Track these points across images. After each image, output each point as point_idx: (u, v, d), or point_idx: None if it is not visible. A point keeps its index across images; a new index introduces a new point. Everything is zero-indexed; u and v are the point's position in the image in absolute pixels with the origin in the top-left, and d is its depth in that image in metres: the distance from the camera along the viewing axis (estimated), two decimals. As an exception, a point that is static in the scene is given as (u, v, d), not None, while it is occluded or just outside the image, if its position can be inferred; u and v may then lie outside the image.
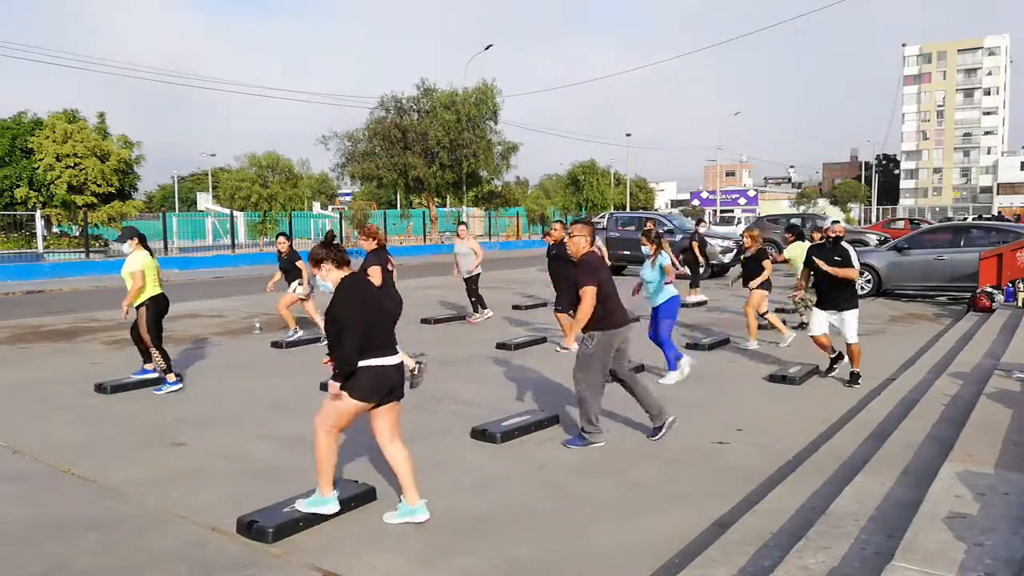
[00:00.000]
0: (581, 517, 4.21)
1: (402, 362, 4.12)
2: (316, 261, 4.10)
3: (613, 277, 5.69)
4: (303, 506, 4.08)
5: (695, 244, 14.51)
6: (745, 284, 9.67)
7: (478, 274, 11.81)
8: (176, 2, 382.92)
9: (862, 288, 14.32)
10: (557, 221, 11.35)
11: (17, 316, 12.85)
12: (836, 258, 7.31)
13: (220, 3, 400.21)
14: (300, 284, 10.03)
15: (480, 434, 5.63)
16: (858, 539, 3.39)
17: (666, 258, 7.67)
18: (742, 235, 10.97)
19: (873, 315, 12.15)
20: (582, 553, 3.77)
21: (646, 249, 7.85)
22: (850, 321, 7.26)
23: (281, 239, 10.40)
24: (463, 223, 12.69)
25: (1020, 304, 11.45)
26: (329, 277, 4.07)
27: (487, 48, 41.80)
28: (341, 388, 3.90)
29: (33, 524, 4.15)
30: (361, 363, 3.89)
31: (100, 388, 7.21)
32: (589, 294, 5.26)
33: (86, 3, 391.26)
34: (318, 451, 4.04)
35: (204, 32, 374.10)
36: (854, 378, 7.32)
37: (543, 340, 9.79)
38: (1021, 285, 11.73)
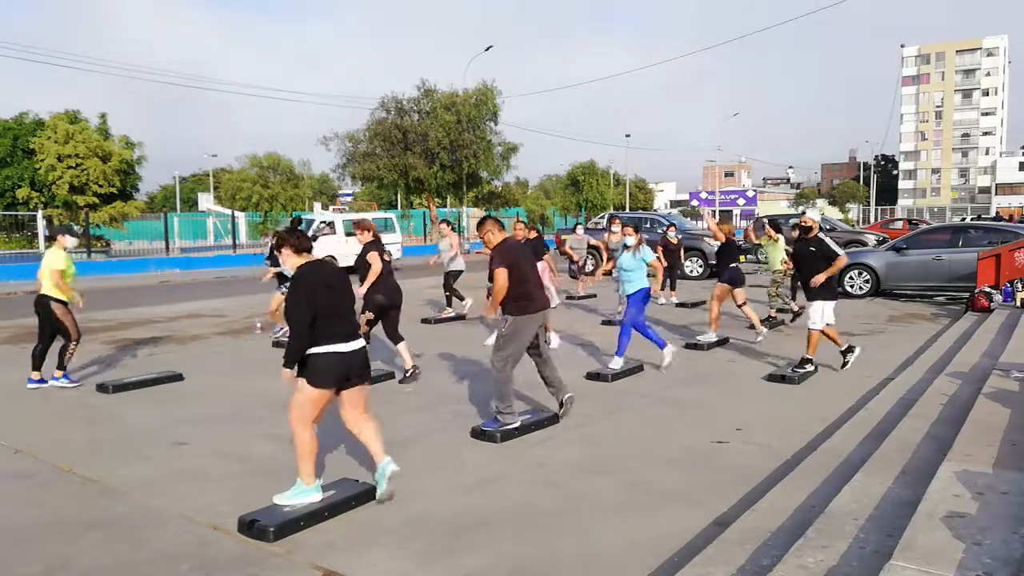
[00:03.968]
0: (581, 516, 4.23)
1: (362, 347, 4.24)
2: (278, 245, 4.26)
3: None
4: (283, 499, 4.15)
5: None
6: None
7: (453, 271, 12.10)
8: (174, 3, 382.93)
9: (861, 288, 14.37)
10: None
11: (19, 316, 12.84)
12: (811, 249, 7.76)
13: (218, 4, 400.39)
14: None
15: (480, 434, 5.64)
16: (857, 538, 3.41)
17: (650, 253, 8.21)
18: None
19: (871, 315, 12.17)
20: (582, 552, 3.78)
21: (630, 239, 8.29)
22: (815, 308, 7.69)
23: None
24: (445, 221, 12.89)
25: (1018, 304, 11.46)
26: (288, 262, 4.22)
27: (487, 49, 41.84)
28: (300, 376, 4.06)
29: (34, 523, 4.17)
30: (316, 349, 4.03)
31: (101, 388, 7.22)
32: (501, 275, 5.68)
33: (87, 3, 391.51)
34: (298, 444, 4.17)
35: (204, 33, 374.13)
36: (801, 363, 7.76)
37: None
38: (1019, 285, 11.75)
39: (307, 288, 4.06)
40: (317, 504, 4.17)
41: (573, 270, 15.81)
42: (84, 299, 7.43)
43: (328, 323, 4.05)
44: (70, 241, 7.22)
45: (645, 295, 8.01)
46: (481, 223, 6.02)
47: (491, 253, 5.91)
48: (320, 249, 20.00)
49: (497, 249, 5.85)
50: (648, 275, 8.19)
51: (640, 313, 7.99)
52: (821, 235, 7.87)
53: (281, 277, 10.32)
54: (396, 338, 7.63)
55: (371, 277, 7.36)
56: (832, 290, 7.79)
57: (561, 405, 6.08)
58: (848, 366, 7.81)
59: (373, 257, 7.39)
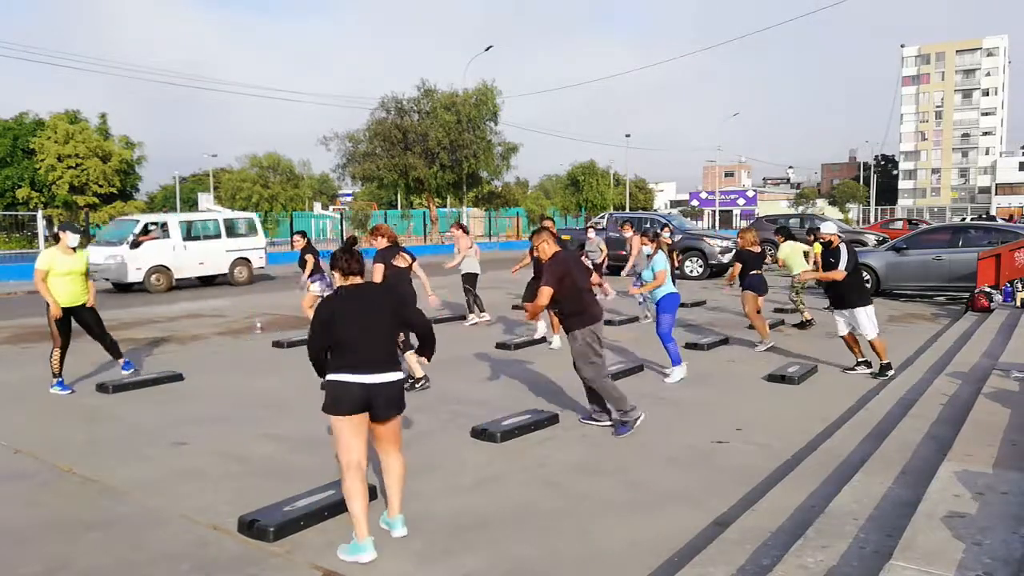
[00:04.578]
0: (581, 516, 4.23)
1: (393, 381, 3.83)
2: (331, 265, 4.07)
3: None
4: (343, 553, 3.74)
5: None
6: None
7: (465, 273, 11.88)
8: (174, 2, 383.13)
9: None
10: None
11: (19, 316, 12.87)
12: (831, 260, 7.71)
13: (218, 4, 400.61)
14: (313, 281, 10.02)
15: (480, 434, 5.65)
16: (857, 538, 3.41)
17: (661, 262, 7.74)
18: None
19: (872, 315, 12.17)
20: (582, 552, 3.78)
21: (647, 249, 8.10)
22: (859, 318, 7.62)
23: (296, 237, 10.79)
24: (457, 224, 12.63)
25: (1018, 304, 11.46)
26: (337, 283, 4.10)
27: (487, 49, 41.85)
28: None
29: (34, 523, 4.17)
30: (330, 377, 3.78)
31: (101, 388, 7.23)
32: (546, 293, 5.71)
33: (87, 3, 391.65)
34: (344, 492, 3.77)
35: (204, 33, 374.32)
36: (882, 370, 7.66)
37: (543, 340, 9.80)
38: (1019, 285, 11.75)
39: (325, 317, 3.81)
40: (317, 504, 4.17)
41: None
42: (57, 309, 7.01)
43: (347, 352, 3.75)
44: (71, 238, 7.06)
45: (672, 300, 7.75)
46: (538, 232, 6.14)
47: (545, 264, 5.94)
48: (143, 256, 16.87)
49: (551, 262, 5.84)
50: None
51: (670, 320, 7.78)
52: (841, 245, 7.78)
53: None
54: (407, 345, 7.56)
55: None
56: (866, 296, 7.74)
57: (592, 419, 6.05)
58: (854, 373, 7.78)
59: (377, 268, 7.33)
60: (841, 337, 7.86)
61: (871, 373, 7.71)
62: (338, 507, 4.19)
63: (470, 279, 11.88)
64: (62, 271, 7.02)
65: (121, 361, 7.48)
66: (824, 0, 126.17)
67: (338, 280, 4.05)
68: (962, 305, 12.50)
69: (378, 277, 7.26)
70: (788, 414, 6.30)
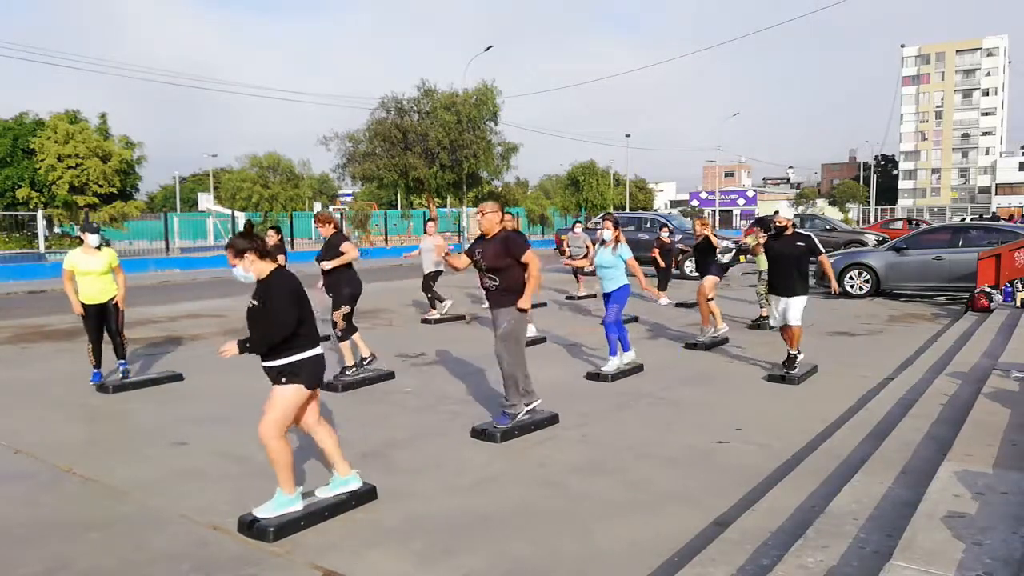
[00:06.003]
0: (581, 516, 4.23)
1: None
2: (238, 252, 4.05)
3: None
4: (267, 511, 4.00)
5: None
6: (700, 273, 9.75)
7: (436, 271, 11.97)
8: (174, 3, 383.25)
9: (860, 288, 14.38)
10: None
11: (19, 316, 12.87)
12: (799, 244, 7.60)
13: (218, 4, 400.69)
14: None
15: (480, 434, 5.65)
16: (857, 538, 3.41)
17: (627, 251, 7.78)
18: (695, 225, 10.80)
19: (871, 315, 12.17)
20: (582, 552, 3.78)
21: (607, 234, 7.84)
22: (797, 305, 7.50)
23: (271, 232, 10.67)
24: (432, 220, 12.75)
25: (1018, 304, 11.46)
26: (253, 268, 4.08)
27: (487, 49, 41.81)
28: (287, 382, 4.08)
29: (34, 524, 4.17)
30: (308, 353, 4.10)
31: (101, 388, 7.23)
32: (537, 259, 5.61)
33: (87, 3, 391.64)
34: (278, 456, 4.01)
35: (204, 33, 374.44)
36: (790, 360, 7.54)
37: (543, 340, 9.80)
38: (1019, 285, 11.75)
39: (293, 292, 4.05)
40: (317, 504, 4.17)
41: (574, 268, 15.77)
42: (76, 308, 7.29)
43: (311, 327, 4.15)
44: (92, 239, 7.29)
45: (626, 293, 7.77)
46: (493, 200, 5.86)
47: (505, 239, 5.65)
48: None
49: (516, 236, 5.75)
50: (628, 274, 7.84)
51: (618, 311, 7.78)
52: (802, 231, 7.72)
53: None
54: (347, 334, 7.66)
55: (340, 261, 7.34)
56: (806, 287, 7.68)
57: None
58: (785, 370, 7.56)
59: (348, 246, 7.46)
60: (780, 329, 7.69)
61: (782, 364, 7.66)
62: (338, 507, 4.21)
63: (433, 277, 12.01)
64: (83, 271, 7.24)
65: (119, 362, 7.54)
66: (824, 0, 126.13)
67: (257, 263, 4.05)
68: (962, 305, 12.50)
69: (355, 253, 7.47)
70: (788, 414, 6.30)
